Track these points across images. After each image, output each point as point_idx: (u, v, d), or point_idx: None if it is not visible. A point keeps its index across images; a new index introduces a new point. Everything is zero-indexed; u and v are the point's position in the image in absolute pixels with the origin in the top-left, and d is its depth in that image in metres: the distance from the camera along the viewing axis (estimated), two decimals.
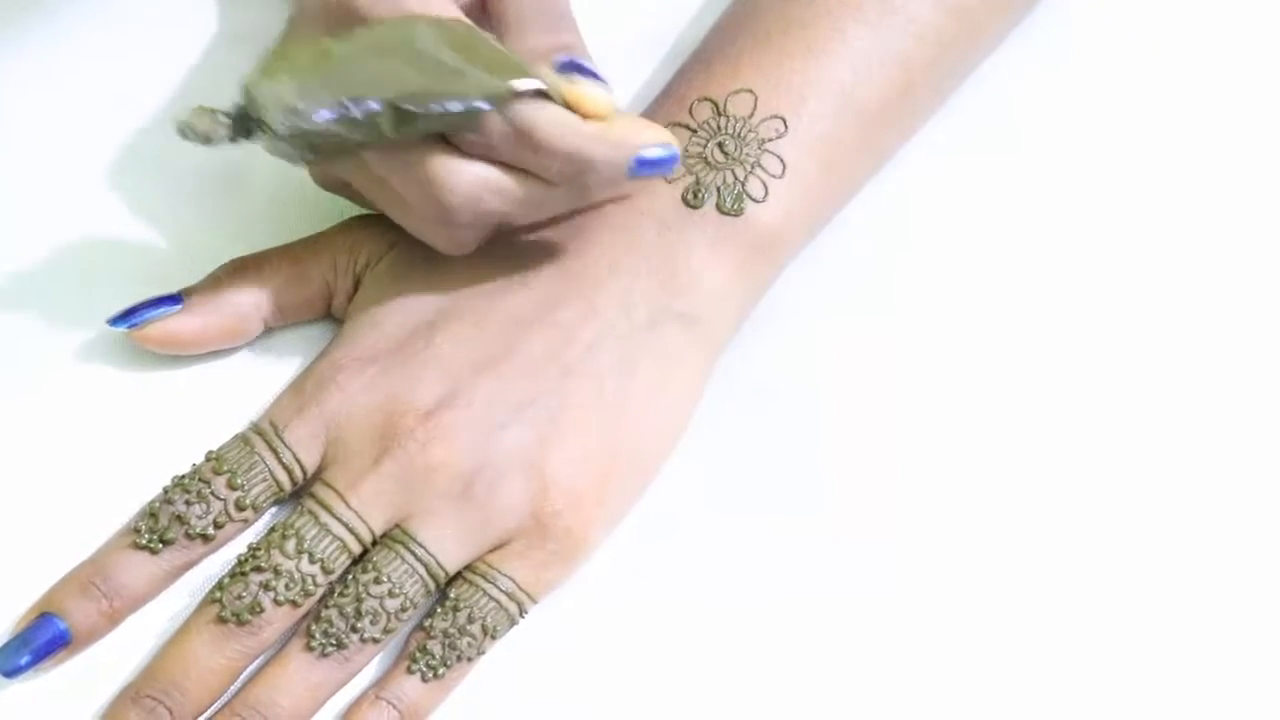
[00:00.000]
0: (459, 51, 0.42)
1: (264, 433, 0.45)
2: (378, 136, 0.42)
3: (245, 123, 0.42)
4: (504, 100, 0.42)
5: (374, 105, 0.41)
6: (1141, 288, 0.52)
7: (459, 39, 0.42)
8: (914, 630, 0.47)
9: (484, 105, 0.42)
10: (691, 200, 0.47)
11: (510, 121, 0.42)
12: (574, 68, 0.43)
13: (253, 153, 0.50)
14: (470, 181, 0.43)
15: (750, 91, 0.48)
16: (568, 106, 0.43)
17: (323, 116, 0.41)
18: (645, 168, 0.43)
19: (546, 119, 0.42)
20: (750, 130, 0.48)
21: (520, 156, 0.43)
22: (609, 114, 0.43)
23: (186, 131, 0.42)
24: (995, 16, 0.51)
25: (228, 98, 0.51)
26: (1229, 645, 0.47)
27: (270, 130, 0.42)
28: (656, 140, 0.44)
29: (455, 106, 0.41)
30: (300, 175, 0.50)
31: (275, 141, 0.42)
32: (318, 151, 0.43)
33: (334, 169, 0.46)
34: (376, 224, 0.48)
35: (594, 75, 0.43)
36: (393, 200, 0.45)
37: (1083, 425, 0.50)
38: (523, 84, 0.42)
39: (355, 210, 0.49)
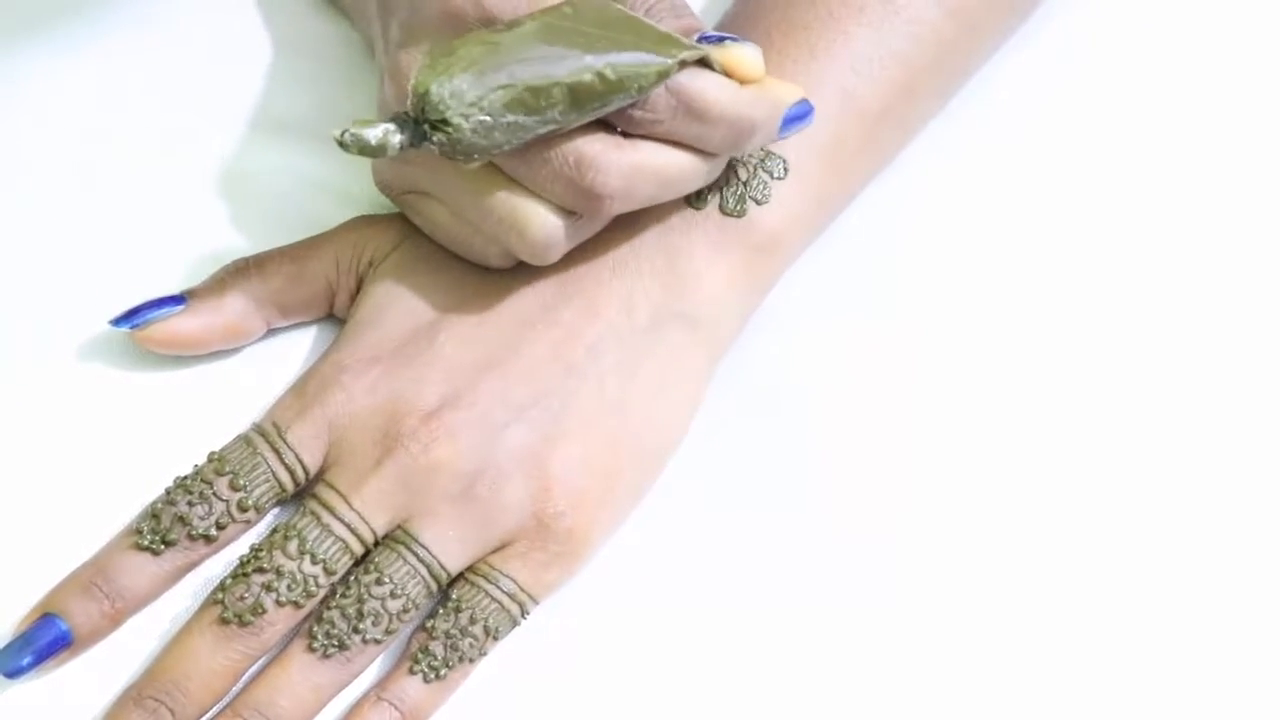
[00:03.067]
0: (620, 30, 0.42)
1: (266, 433, 0.45)
2: (556, 123, 0.41)
3: (419, 127, 0.41)
4: (673, 72, 0.42)
5: (555, 91, 0.41)
6: (1143, 288, 0.52)
7: (617, 18, 0.42)
8: (914, 630, 0.47)
9: (657, 78, 0.42)
10: (694, 201, 0.47)
11: (676, 93, 0.42)
12: (720, 38, 0.44)
13: (253, 153, 0.51)
14: (629, 162, 0.43)
15: None
16: (726, 73, 0.43)
17: (506, 107, 0.41)
18: (791, 124, 0.45)
19: (712, 86, 0.43)
20: None
21: (686, 128, 0.43)
22: (763, 75, 0.44)
23: (352, 145, 0.41)
24: (997, 18, 0.51)
25: (236, 99, 0.51)
26: (1228, 644, 0.47)
27: (452, 129, 0.41)
28: (799, 94, 0.45)
29: (631, 82, 0.41)
30: (300, 175, 0.51)
31: (455, 141, 0.41)
32: (497, 149, 0.41)
33: (428, 182, 0.45)
34: (379, 224, 0.48)
35: (742, 40, 0.44)
36: (509, 209, 0.43)
37: (1086, 426, 0.50)
38: (689, 53, 0.42)
39: (358, 211, 0.49)
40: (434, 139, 0.41)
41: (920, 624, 0.47)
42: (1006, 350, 0.51)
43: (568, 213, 0.44)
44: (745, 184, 0.47)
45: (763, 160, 0.47)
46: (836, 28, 0.48)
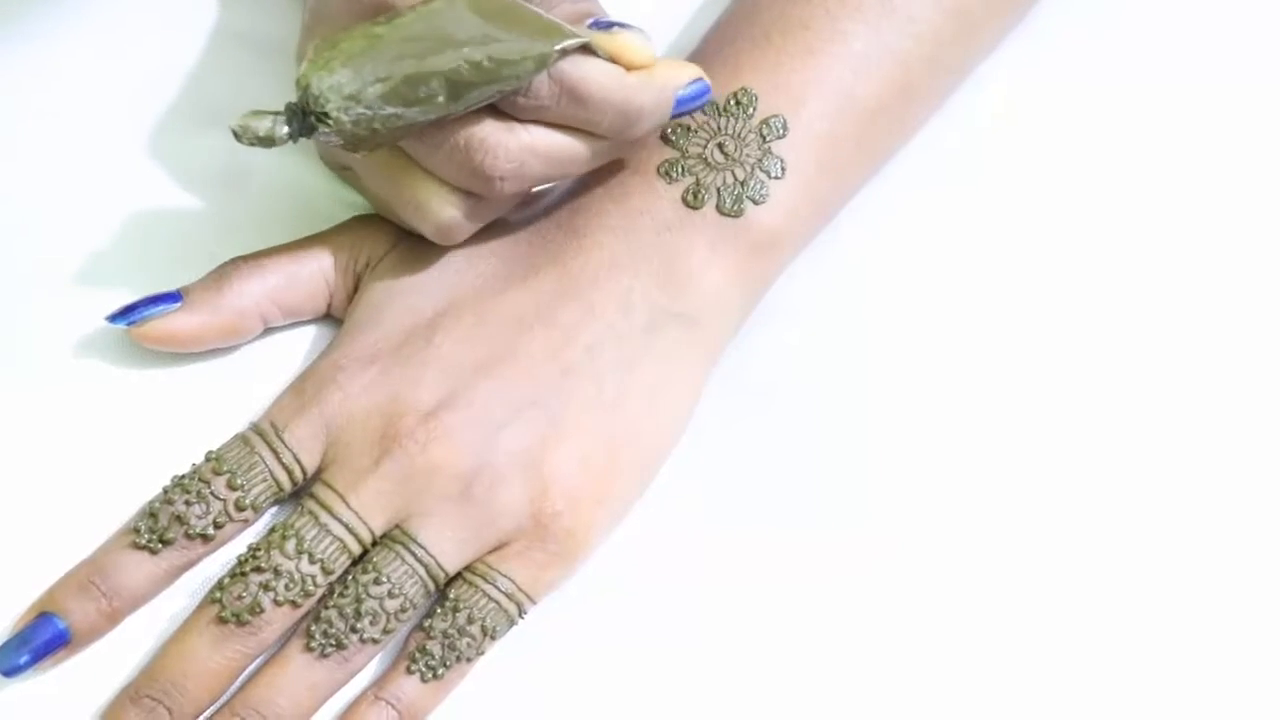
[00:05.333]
0: (500, 20, 0.42)
1: (264, 433, 0.45)
2: (436, 112, 0.42)
3: (305, 119, 0.42)
4: (552, 60, 0.42)
5: (432, 82, 0.42)
6: (1143, 289, 0.52)
7: (497, 7, 0.43)
8: (913, 629, 0.47)
9: (535, 66, 0.42)
10: (691, 201, 0.47)
11: (560, 80, 0.43)
12: (609, 25, 0.44)
13: (251, 152, 0.51)
14: (519, 145, 0.43)
15: (750, 92, 0.48)
16: (614, 60, 0.44)
17: (384, 99, 0.42)
18: (685, 105, 0.45)
19: (595, 72, 0.43)
20: (750, 131, 0.48)
21: (572, 113, 0.44)
22: (651, 61, 0.44)
23: (244, 135, 0.42)
24: (994, 16, 0.51)
25: (231, 97, 0.51)
26: (1247, 651, 0.47)
27: (333, 121, 0.42)
28: (692, 75, 0.45)
29: (508, 71, 0.42)
30: (300, 175, 0.51)
31: (337, 133, 0.42)
32: (382, 141, 0.43)
33: (348, 159, 0.46)
34: (377, 224, 0.48)
35: (631, 26, 0.44)
36: (411, 190, 0.45)
37: (1088, 424, 0.50)
38: (569, 42, 0.43)
39: (356, 211, 0.49)
40: (318, 132, 0.42)
41: (919, 623, 0.47)
42: (1008, 349, 0.51)
43: (465, 194, 0.45)
44: (742, 184, 0.47)
45: (760, 160, 0.48)
46: (834, 26, 0.48)
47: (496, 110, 0.43)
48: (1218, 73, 0.55)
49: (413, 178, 0.45)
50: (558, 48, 0.42)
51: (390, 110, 0.42)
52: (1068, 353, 0.51)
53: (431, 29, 0.42)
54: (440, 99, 0.42)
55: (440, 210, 0.45)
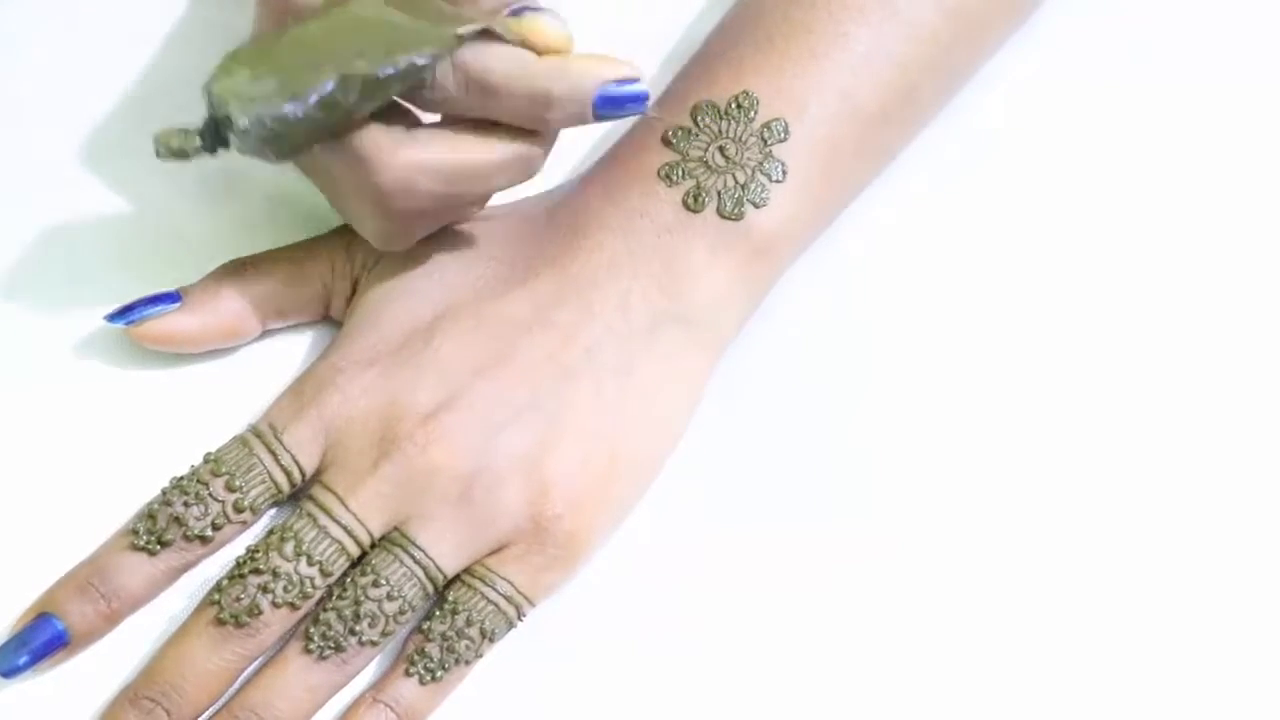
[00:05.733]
0: (404, 11, 0.42)
1: (263, 435, 0.45)
2: (341, 116, 0.41)
3: (215, 129, 0.41)
4: (452, 47, 0.41)
5: (328, 83, 0.41)
6: (1143, 291, 0.52)
7: (394, 3, 0.42)
8: (914, 630, 0.47)
9: (430, 58, 0.41)
10: (692, 204, 0.47)
11: (464, 69, 0.42)
12: (522, 9, 0.42)
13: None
14: (403, 163, 0.42)
15: (752, 95, 0.48)
16: (523, 45, 0.42)
17: (281, 101, 0.41)
18: (611, 105, 0.42)
19: (498, 58, 0.42)
20: (752, 134, 0.48)
21: (481, 104, 0.42)
22: (565, 47, 0.42)
23: (161, 151, 0.42)
24: (997, 19, 0.51)
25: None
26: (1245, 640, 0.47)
27: (234, 124, 0.41)
28: (619, 74, 0.42)
29: (403, 63, 0.41)
30: (300, 177, 0.50)
31: (245, 140, 0.41)
32: (291, 145, 0.42)
33: (298, 163, 0.45)
34: None
35: (546, 10, 0.42)
36: (335, 191, 0.44)
37: (1090, 424, 0.50)
38: (468, 27, 0.41)
39: None
40: (228, 139, 0.41)
41: (920, 622, 0.47)
42: (1010, 349, 0.51)
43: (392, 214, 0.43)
44: (743, 187, 0.47)
45: (761, 163, 0.47)
46: (837, 30, 0.48)
47: (391, 120, 0.42)
48: (1221, 74, 0.55)
49: (340, 190, 0.44)
50: (457, 32, 0.41)
51: (289, 110, 0.41)
52: (1068, 351, 0.51)
53: (334, 28, 0.41)
54: (337, 96, 0.41)
55: (370, 221, 0.44)
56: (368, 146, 0.42)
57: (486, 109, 0.42)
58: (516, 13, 0.42)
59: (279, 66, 0.41)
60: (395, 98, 0.42)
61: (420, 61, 0.41)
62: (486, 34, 0.42)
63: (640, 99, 0.43)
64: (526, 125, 0.43)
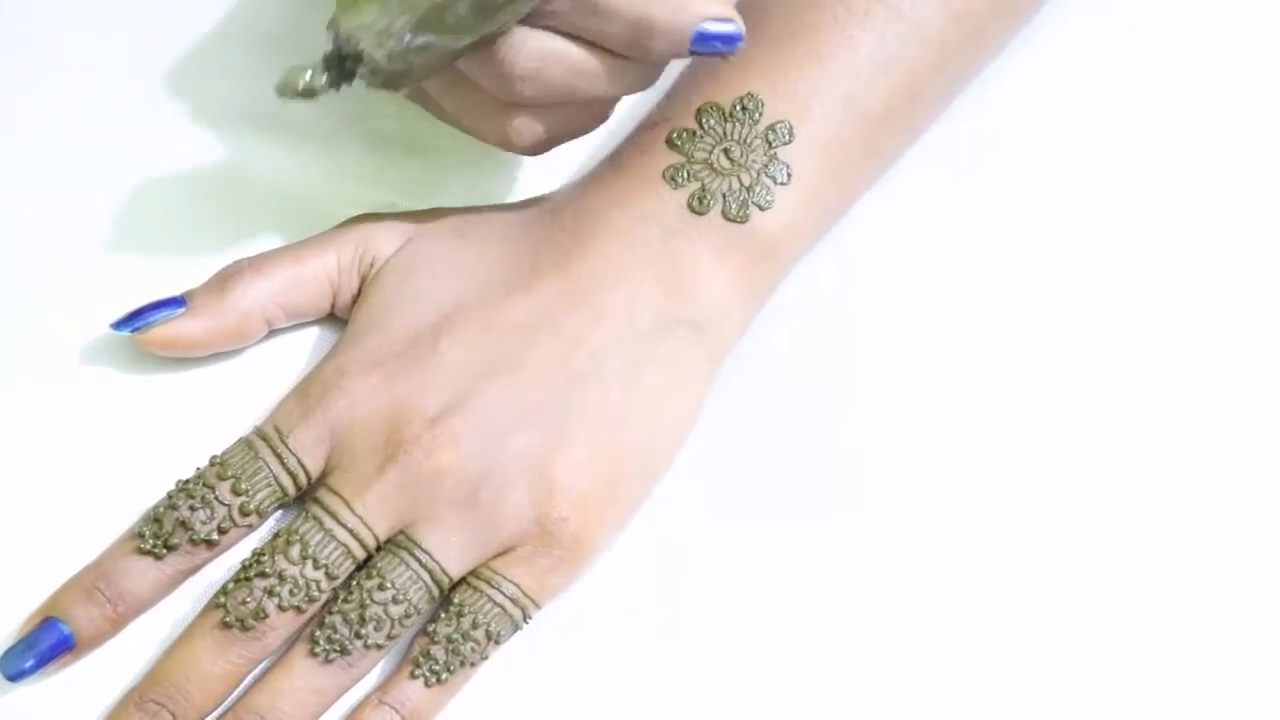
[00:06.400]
0: None
1: (268, 437, 0.45)
2: (468, 36, 0.42)
3: (341, 65, 0.42)
4: None
5: (459, 5, 0.41)
6: (1143, 292, 0.52)
7: None
8: (917, 631, 0.47)
9: None
10: (697, 207, 0.47)
11: None
12: None
13: (253, 152, 0.51)
14: (537, 47, 0.43)
15: (756, 97, 0.48)
16: None
17: (414, 30, 0.41)
18: (707, 42, 0.44)
19: None
20: (756, 136, 0.48)
21: (586, 22, 0.43)
22: None
23: (287, 94, 0.42)
24: (1000, 22, 0.51)
25: (231, 97, 0.51)
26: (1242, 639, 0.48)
27: (369, 61, 0.42)
28: (719, 13, 0.44)
29: None
30: (302, 175, 0.50)
31: (373, 72, 0.42)
32: (420, 74, 0.43)
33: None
34: (381, 224, 0.48)
35: None
36: (470, 107, 0.45)
37: (1092, 425, 0.50)
38: None
39: (359, 210, 0.49)
40: (357, 73, 0.42)
41: (921, 621, 0.47)
42: (1013, 350, 0.51)
43: (516, 105, 0.44)
44: (748, 189, 0.47)
45: (766, 166, 0.47)
46: (842, 33, 0.48)
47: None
48: (1225, 75, 0.55)
49: (469, 89, 0.44)
50: None
51: (422, 39, 0.42)
52: (1071, 352, 0.51)
53: None
54: (469, 21, 0.42)
55: (500, 119, 0.45)
56: (505, 39, 0.43)
57: (589, 28, 0.43)
58: None
59: None
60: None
61: None
62: None
63: (734, 40, 0.44)
64: (626, 52, 0.44)
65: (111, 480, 0.46)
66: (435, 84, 0.45)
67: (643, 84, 0.46)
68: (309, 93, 0.42)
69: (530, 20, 0.43)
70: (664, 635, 0.47)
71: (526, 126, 0.45)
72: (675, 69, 0.51)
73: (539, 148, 0.46)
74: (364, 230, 0.48)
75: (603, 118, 0.47)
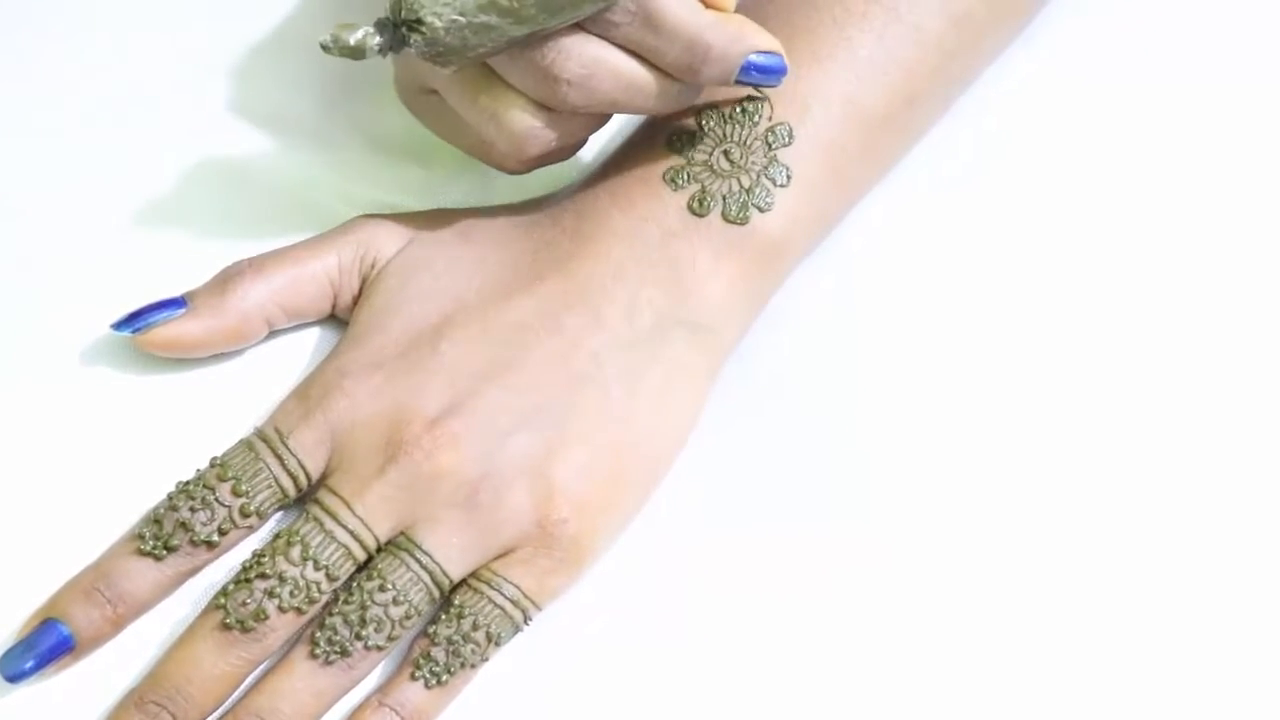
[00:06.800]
0: None
1: (269, 439, 0.45)
2: (528, 25, 0.42)
3: (395, 30, 0.42)
4: None
5: None
6: (1141, 294, 0.52)
7: None
8: (918, 633, 0.47)
9: None
10: (697, 208, 0.47)
11: (638, 1, 0.43)
12: None
13: (253, 153, 0.51)
14: (591, 54, 0.43)
15: (756, 99, 0.48)
16: None
17: (481, 8, 0.42)
18: (755, 72, 0.45)
19: (674, 1, 0.43)
20: (756, 138, 0.48)
21: (643, 38, 0.44)
22: (728, 5, 0.45)
23: (333, 48, 0.42)
24: (999, 25, 0.51)
25: (232, 97, 0.51)
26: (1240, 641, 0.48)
27: (427, 30, 0.42)
28: (770, 46, 0.45)
29: None
30: (303, 174, 0.50)
31: (429, 42, 0.42)
32: (474, 54, 0.43)
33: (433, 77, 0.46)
34: (382, 224, 0.48)
35: None
36: (488, 98, 0.45)
37: (1092, 426, 0.50)
38: None
39: (360, 210, 0.49)
40: (411, 40, 0.42)
41: (925, 625, 0.47)
42: (1013, 351, 0.51)
43: (542, 108, 0.45)
44: (748, 191, 0.47)
45: (766, 167, 0.48)
46: (841, 34, 0.48)
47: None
48: (1226, 76, 0.55)
49: (492, 85, 0.45)
50: None
51: (484, 19, 0.42)
52: (1072, 354, 0.51)
53: None
54: (533, 11, 0.42)
55: (518, 118, 0.45)
56: (561, 38, 0.43)
57: (643, 44, 0.44)
58: None
59: None
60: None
61: None
62: None
63: (779, 73, 0.45)
64: (674, 72, 0.44)
65: (111, 481, 0.46)
66: (457, 79, 0.45)
67: (681, 105, 0.46)
68: (358, 53, 0.42)
69: (587, 26, 0.43)
70: (664, 637, 0.47)
71: (542, 134, 0.45)
72: None
73: (536, 162, 0.47)
74: (365, 231, 0.48)
75: (585, 141, 0.48)
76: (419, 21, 0.42)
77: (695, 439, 0.48)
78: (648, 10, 0.43)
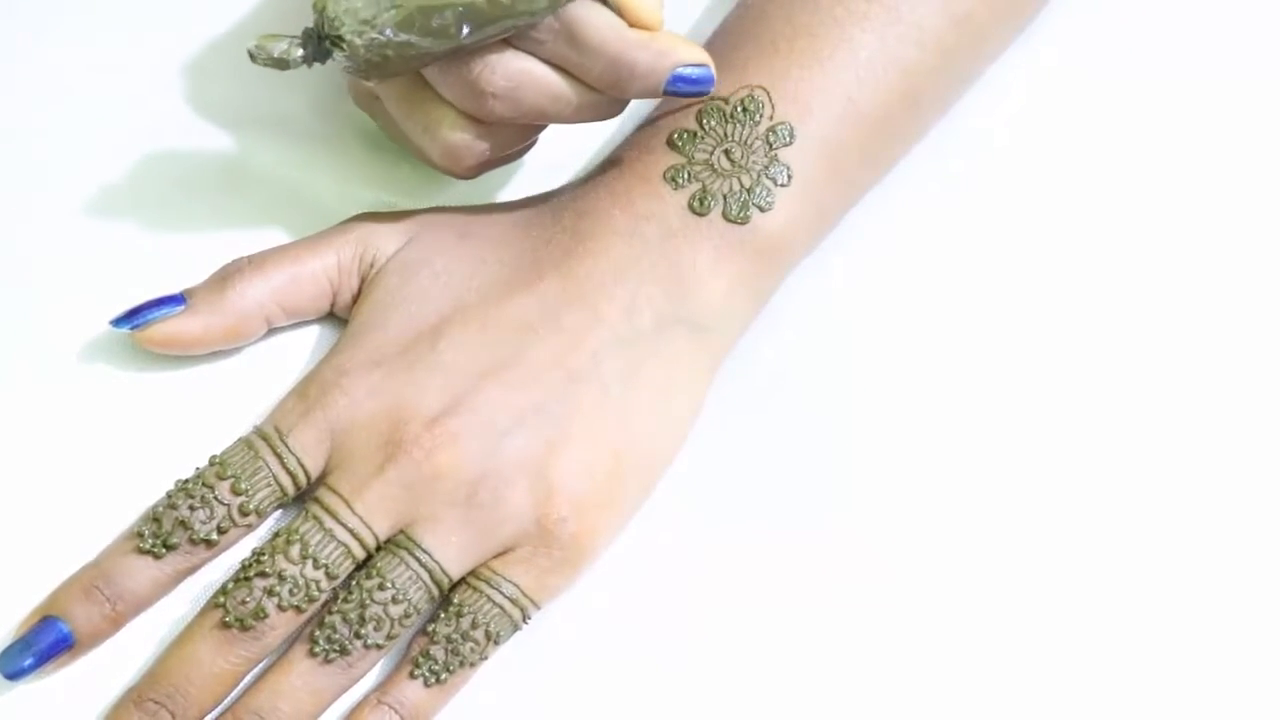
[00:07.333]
0: None
1: (268, 437, 0.45)
2: (449, 44, 0.43)
3: (320, 43, 0.43)
4: (561, 3, 0.43)
5: (446, 14, 0.42)
6: (1147, 291, 0.52)
7: None
8: (918, 634, 0.47)
9: (546, 5, 0.43)
10: (698, 208, 0.47)
11: (563, 18, 0.43)
12: None
13: (253, 152, 0.51)
14: (516, 67, 0.44)
15: (757, 98, 0.48)
16: (620, 13, 0.44)
17: (399, 26, 0.42)
18: (682, 84, 0.45)
19: (595, 19, 0.44)
20: (757, 137, 0.48)
21: (567, 55, 0.44)
22: (656, 23, 0.45)
23: (260, 57, 0.43)
24: (1000, 25, 0.51)
25: (232, 97, 0.51)
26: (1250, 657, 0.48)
27: (347, 46, 0.42)
28: (697, 59, 0.45)
29: (524, 7, 0.42)
30: (302, 174, 0.50)
31: (350, 58, 0.43)
32: (395, 69, 0.43)
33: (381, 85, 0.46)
34: (381, 223, 0.48)
35: None
36: (422, 111, 0.46)
37: (1092, 426, 0.50)
38: None
39: (360, 209, 0.49)
40: (334, 55, 0.43)
41: (925, 625, 0.47)
42: (1013, 351, 0.51)
43: (473, 120, 0.45)
44: (749, 190, 0.47)
45: (766, 167, 0.47)
46: (842, 34, 0.48)
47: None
48: (1226, 77, 0.55)
49: (425, 99, 0.45)
50: None
51: (404, 38, 0.42)
52: (1069, 352, 0.51)
53: None
54: (453, 30, 0.42)
55: (449, 133, 0.45)
56: (486, 54, 0.44)
57: (566, 59, 0.44)
58: None
59: None
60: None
61: (538, 9, 0.43)
62: None
63: (708, 83, 0.46)
64: (600, 87, 0.45)
65: (110, 479, 0.46)
66: (392, 86, 0.46)
67: (609, 115, 0.47)
68: (282, 63, 0.43)
69: (513, 42, 0.44)
70: (663, 635, 0.47)
71: (473, 146, 0.46)
72: None
73: (475, 170, 0.47)
74: (365, 230, 0.48)
75: (533, 143, 0.48)
76: (340, 38, 0.42)
77: (694, 438, 0.48)
78: (570, 29, 0.44)
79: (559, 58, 0.44)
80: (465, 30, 0.42)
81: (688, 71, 0.45)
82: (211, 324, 0.47)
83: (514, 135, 0.47)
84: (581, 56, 0.44)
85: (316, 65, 0.43)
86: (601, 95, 0.45)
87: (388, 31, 0.42)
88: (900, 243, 0.52)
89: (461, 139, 0.45)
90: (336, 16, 0.42)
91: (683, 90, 0.45)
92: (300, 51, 0.43)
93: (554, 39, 0.44)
